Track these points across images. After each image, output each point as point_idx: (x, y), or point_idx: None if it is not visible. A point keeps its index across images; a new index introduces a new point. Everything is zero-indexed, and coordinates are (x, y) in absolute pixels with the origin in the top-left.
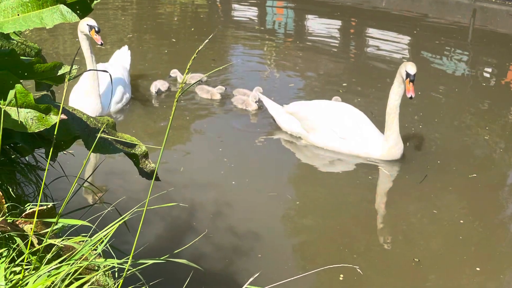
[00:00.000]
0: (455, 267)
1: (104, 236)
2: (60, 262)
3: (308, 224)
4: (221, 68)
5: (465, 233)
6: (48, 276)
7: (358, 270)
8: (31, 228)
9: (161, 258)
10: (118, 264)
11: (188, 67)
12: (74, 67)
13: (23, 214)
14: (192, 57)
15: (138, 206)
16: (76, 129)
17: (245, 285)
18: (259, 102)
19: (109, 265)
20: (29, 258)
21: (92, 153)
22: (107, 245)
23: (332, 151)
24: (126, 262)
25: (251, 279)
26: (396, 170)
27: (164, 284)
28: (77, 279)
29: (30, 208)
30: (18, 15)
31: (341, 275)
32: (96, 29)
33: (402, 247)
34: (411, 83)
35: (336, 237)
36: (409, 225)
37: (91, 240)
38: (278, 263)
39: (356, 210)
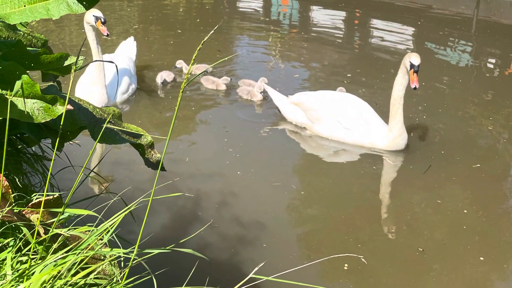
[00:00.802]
0: (459, 256)
1: (110, 226)
2: (66, 252)
3: (312, 214)
4: (226, 59)
5: (469, 223)
6: (54, 266)
7: (363, 259)
8: (37, 218)
9: (167, 248)
10: (124, 253)
11: (193, 58)
12: (80, 58)
13: (30, 204)
14: (198, 48)
15: (143, 196)
16: (82, 119)
17: (250, 275)
18: (264, 92)
19: (115, 255)
20: (36, 247)
21: (98, 143)
22: (113, 235)
23: (336, 141)
24: (132, 252)
25: (256, 269)
26: (400, 160)
27: (170, 274)
28: (83, 269)
29: (37, 198)
30: (25, 6)
31: (346, 265)
32: (102, 20)
33: (406, 237)
34: (415, 74)
35: (341, 227)
36: (413, 215)
37: (97, 230)
38: (283, 252)
39: (361, 200)
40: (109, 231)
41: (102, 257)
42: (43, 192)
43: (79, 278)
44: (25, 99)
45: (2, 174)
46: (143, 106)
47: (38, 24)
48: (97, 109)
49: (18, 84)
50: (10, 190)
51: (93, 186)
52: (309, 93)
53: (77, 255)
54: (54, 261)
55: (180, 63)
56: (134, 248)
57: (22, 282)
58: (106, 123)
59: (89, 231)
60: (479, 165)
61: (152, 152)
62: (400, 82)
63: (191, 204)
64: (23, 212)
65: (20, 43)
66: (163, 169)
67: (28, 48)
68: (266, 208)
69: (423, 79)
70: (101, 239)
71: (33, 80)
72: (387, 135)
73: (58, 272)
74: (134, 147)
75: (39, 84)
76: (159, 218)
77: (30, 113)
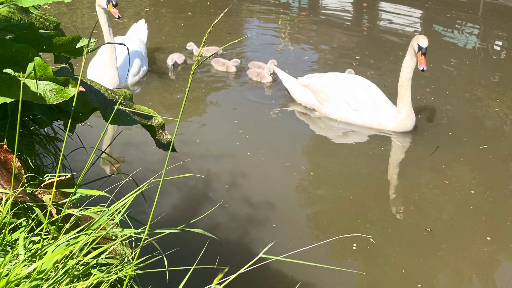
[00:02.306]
0: (466, 236)
1: (121, 207)
2: (78, 232)
3: (321, 194)
4: (236, 41)
5: (476, 203)
6: (66, 246)
7: (371, 239)
8: (49, 198)
9: (178, 228)
10: (135, 233)
11: (204, 40)
12: (92, 40)
13: (42, 185)
14: (208, 31)
15: (154, 176)
16: (94, 101)
17: (260, 254)
18: (274, 74)
19: (126, 235)
20: (48, 228)
21: (109, 124)
22: (124, 215)
23: (345, 123)
24: (143, 232)
25: (266, 248)
26: (408, 141)
27: (180, 254)
28: (95, 249)
29: (49, 179)
30: None
31: (354, 245)
32: (114, 3)
33: (414, 217)
34: (423, 56)
35: (349, 207)
36: (421, 196)
37: (108, 210)
38: (292, 232)
39: (369, 181)
40: (120, 211)
41: (114, 237)
42: (55, 173)
43: (91, 258)
44: (37, 81)
45: (15, 155)
46: (154, 88)
47: (50, 7)
48: (109, 91)
49: (30, 66)
50: (23, 171)
51: (104, 167)
52: (318, 75)
53: (89, 235)
54: (66, 241)
55: (190, 46)
56: (145, 228)
57: (34, 261)
58: (117, 104)
59: (100, 211)
60: (486, 146)
61: (163, 133)
62: (408, 64)
63: (201, 185)
64: (36, 193)
65: (33, 25)
66: (174, 150)
67: (40, 31)
68: (275, 189)
69: (431, 61)
70: (113, 219)
71: (46, 62)
72: (395, 116)
73: (70, 252)
74: (145, 129)
75: (51, 66)
76: (170, 199)
77: (42, 95)
